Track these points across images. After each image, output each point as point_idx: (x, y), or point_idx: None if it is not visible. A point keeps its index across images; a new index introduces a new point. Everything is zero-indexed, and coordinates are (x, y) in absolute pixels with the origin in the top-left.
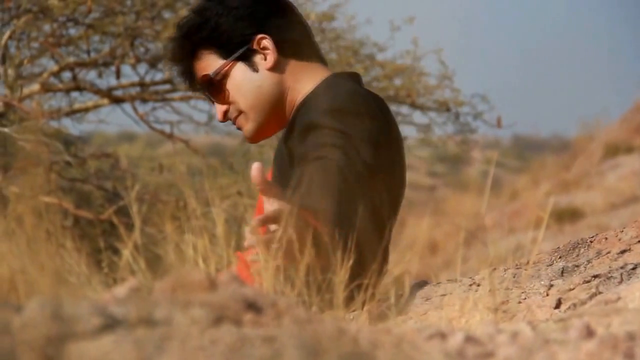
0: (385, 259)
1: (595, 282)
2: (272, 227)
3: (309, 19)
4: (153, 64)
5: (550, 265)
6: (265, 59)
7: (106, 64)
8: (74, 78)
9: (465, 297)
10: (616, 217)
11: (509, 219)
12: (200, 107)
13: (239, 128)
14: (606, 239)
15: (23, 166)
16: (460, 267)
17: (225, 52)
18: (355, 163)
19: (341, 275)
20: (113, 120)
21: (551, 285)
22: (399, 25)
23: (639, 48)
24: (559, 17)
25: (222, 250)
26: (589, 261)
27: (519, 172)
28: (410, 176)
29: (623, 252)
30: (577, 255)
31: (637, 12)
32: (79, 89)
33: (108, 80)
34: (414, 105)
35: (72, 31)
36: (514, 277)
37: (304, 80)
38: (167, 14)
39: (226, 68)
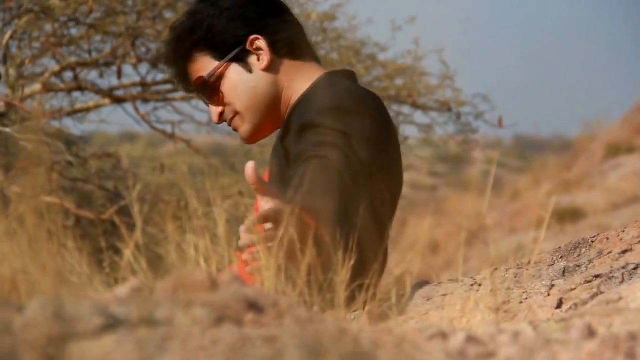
0: (384, 259)
1: (596, 282)
2: (268, 226)
3: (311, 19)
4: (154, 63)
5: (552, 265)
6: (260, 60)
7: (107, 64)
8: (76, 78)
9: (466, 297)
10: (617, 217)
11: (511, 219)
12: (201, 107)
13: (235, 129)
14: (607, 239)
15: (25, 166)
16: (461, 267)
17: (220, 53)
18: (353, 162)
19: (342, 275)
20: (114, 120)
21: (552, 285)
22: (401, 25)
23: None
24: (561, 17)
25: (224, 251)
26: (590, 261)
27: (521, 172)
28: (411, 176)
29: (624, 252)
30: (579, 255)
31: (638, 12)
32: (80, 89)
33: (109, 80)
34: (415, 105)
35: (74, 31)
36: (515, 277)
37: (299, 80)
38: (168, 14)
39: (221, 70)
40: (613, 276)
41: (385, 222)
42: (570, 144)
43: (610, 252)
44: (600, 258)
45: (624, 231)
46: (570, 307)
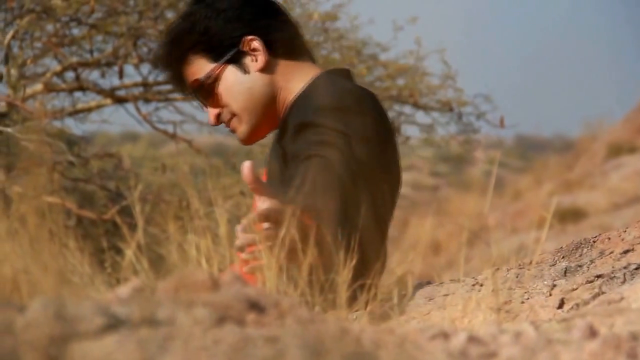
0: (384, 258)
1: (598, 282)
2: (265, 225)
3: (312, 19)
4: (156, 64)
5: (553, 265)
6: (256, 60)
7: (109, 64)
8: (77, 78)
9: (468, 297)
10: (619, 217)
11: (512, 219)
12: None
13: (232, 131)
14: (609, 239)
15: (26, 166)
16: (463, 267)
17: (215, 55)
18: (350, 160)
19: (344, 275)
20: (116, 120)
21: (554, 285)
22: (402, 25)
23: None
24: (562, 17)
25: (225, 251)
26: (592, 261)
27: (522, 172)
28: (413, 176)
29: (626, 252)
30: (580, 255)
31: None
32: (82, 88)
33: (111, 80)
34: (416, 105)
35: (75, 31)
36: (516, 277)
37: (295, 80)
38: (170, 14)
39: (217, 71)
40: (614, 276)
41: (385, 221)
42: (572, 144)
43: (611, 252)
44: (601, 258)
45: (625, 231)
46: (572, 307)
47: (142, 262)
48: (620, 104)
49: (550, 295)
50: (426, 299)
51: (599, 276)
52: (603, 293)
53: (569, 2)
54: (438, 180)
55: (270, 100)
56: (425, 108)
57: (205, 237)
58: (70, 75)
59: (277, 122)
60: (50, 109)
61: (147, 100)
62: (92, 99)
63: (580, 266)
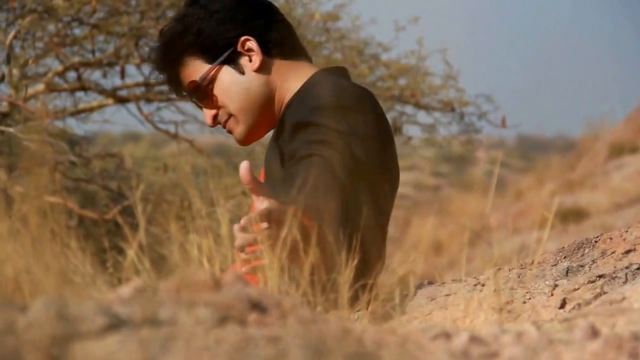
0: (379, 254)
1: (600, 282)
2: (264, 225)
3: (314, 19)
4: None
5: (555, 265)
6: (251, 61)
7: (111, 64)
8: (79, 78)
9: (469, 297)
10: (621, 217)
11: (514, 219)
12: None
13: (230, 131)
14: (611, 239)
15: (28, 166)
16: (464, 267)
17: (211, 56)
18: (348, 159)
19: (346, 275)
20: (118, 120)
21: (556, 285)
22: (404, 25)
23: None
24: (564, 17)
25: (227, 250)
26: (593, 261)
27: (524, 172)
28: (414, 176)
29: (628, 252)
30: (582, 255)
31: None
32: (83, 88)
33: (113, 80)
34: (418, 105)
35: (77, 31)
36: (518, 277)
37: (291, 79)
38: (171, 14)
39: (212, 72)
40: (616, 276)
41: (384, 220)
42: (574, 144)
43: (613, 252)
44: (603, 258)
45: (627, 231)
46: (574, 307)
47: (144, 262)
48: (622, 104)
49: (552, 295)
50: (428, 299)
51: (600, 276)
52: (605, 293)
53: (571, 2)
54: (440, 180)
55: (266, 100)
56: (427, 108)
57: (207, 237)
58: (72, 75)
59: (274, 121)
60: (52, 109)
61: (148, 100)
62: (93, 99)
63: (582, 266)
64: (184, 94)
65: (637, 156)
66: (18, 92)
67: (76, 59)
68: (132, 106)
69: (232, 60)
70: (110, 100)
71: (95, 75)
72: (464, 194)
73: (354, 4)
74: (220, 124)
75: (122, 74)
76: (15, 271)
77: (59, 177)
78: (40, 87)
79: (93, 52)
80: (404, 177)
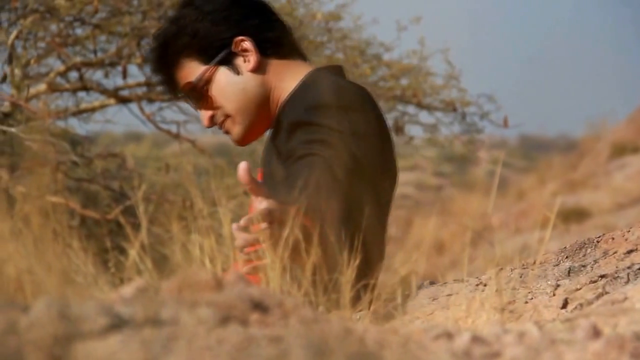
0: (380, 253)
1: (602, 282)
2: (263, 225)
3: (316, 19)
4: None
5: (557, 265)
6: (247, 61)
7: (113, 64)
8: (81, 78)
9: (471, 297)
10: (623, 217)
11: (516, 219)
12: None
13: (227, 132)
14: (613, 238)
15: (30, 166)
16: (466, 267)
17: (206, 57)
18: (344, 158)
19: (347, 275)
20: (120, 120)
21: (558, 285)
22: (406, 25)
23: None
24: (566, 17)
25: (229, 250)
26: (595, 261)
27: (526, 172)
28: (416, 176)
29: (630, 252)
30: (584, 255)
31: None
32: (85, 88)
33: (115, 80)
34: (420, 105)
35: (79, 31)
36: (520, 277)
37: (287, 79)
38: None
39: (208, 73)
40: (618, 276)
41: (384, 219)
42: (576, 144)
43: (615, 252)
44: (605, 258)
45: (629, 231)
46: (576, 307)
47: (146, 262)
48: (623, 104)
49: (554, 295)
50: (430, 298)
51: (602, 276)
52: (607, 293)
53: (573, 1)
54: (442, 180)
55: (263, 100)
56: (429, 108)
57: (208, 237)
58: (73, 75)
59: (271, 121)
60: (54, 108)
61: (150, 100)
62: (95, 99)
63: (584, 266)
64: (181, 95)
65: (639, 156)
66: (20, 92)
67: (78, 59)
68: (134, 106)
69: (228, 61)
70: (112, 100)
71: (97, 75)
72: (466, 194)
73: (356, 4)
74: (217, 124)
75: (124, 74)
76: (17, 271)
77: (61, 177)
78: (42, 87)
79: (95, 52)
80: (406, 177)
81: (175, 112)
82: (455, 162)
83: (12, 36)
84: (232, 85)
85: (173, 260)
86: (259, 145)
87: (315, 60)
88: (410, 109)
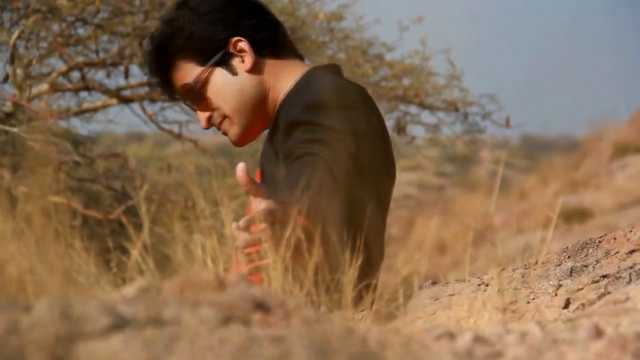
0: (381, 253)
1: (604, 282)
2: (262, 226)
3: (318, 19)
4: None
5: (559, 265)
6: (243, 61)
7: (115, 64)
8: (83, 78)
9: (473, 297)
10: (625, 217)
11: (518, 218)
12: None
13: (224, 133)
14: (615, 239)
15: (32, 166)
16: (468, 267)
17: (203, 58)
18: (342, 157)
19: (349, 274)
20: (122, 120)
21: (560, 285)
22: (408, 25)
23: None
24: (567, 17)
25: (231, 250)
26: (597, 261)
27: (528, 172)
28: (418, 176)
29: (632, 252)
30: (586, 255)
31: None
32: (87, 88)
33: (117, 80)
34: (422, 105)
35: (81, 31)
36: (522, 277)
37: (284, 78)
38: None
39: (205, 75)
40: (620, 276)
41: (383, 217)
42: (578, 144)
43: (617, 252)
44: (607, 258)
45: (631, 231)
46: (578, 307)
47: (148, 262)
48: (625, 104)
49: (556, 295)
50: (432, 299)
51: (604, 276)
52: (609, 293)
53: (575, 1)
54: (444, 180)
55: (260, 101)
56: (431, 108)
57: (211, 237)
58: (76, 75)
59: (269, 122)
60: (56, 108)
61: (152, 100)
62: (97, 99)
63: (586, 266)
64: (178, 97)
65: None
66: (22, 92)
67: (80, 59)
68: (136, 106)
69: (224, 62)
70: (114, 100)
71: (99, 75)
72: (467, 194)
73: (358, 4)
74: (214, 125)
75: (126, 74)
76: (19, 271)
77: (63, 177)
78: (44, 87)
79: (97, 52)
80: (407, 177)
81: (177, 112)
82: (457, 162)
83: (14, 36)
84: (228, 86)
85: (175, 260)
86: (261, 146)
87: (317, 60)
88: (412, 109)
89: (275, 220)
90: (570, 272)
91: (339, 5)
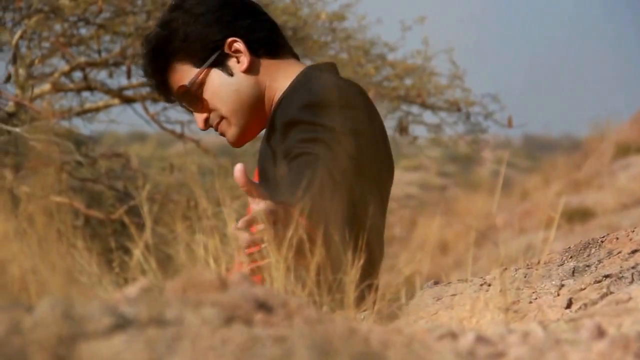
0: (381, 252)
1: (606, 282)
2: (260, 227)
3: (320, 19)
4: None
5: (561, 265)
6: (239, 62)
7: (117, 64)
8: (85, 78)
9: (476, 297)
10: (627, 217)
11: (520, 218)
12: None
13: (222, 134)
14: (617, 238)
15: (34, 166)
16: (471, 267)
17: (198, 60)
18: (339, 156)
19: (352, 274)
20: (124, 120)
21: (562, 285)
22: (410, 25)
23: None
24: (569, 17)
25: (233, 250)
26: (600, 261)
27: (530, 172)
28: (421, 176)
29: (634, 252)
30: (588, 255)
31: None
32: (89, 88)
33: (119, 80)
34: (424, 105)
35: (83, 31)
36: (524, 277)
37: (280, 78)
38: None
39: (201, 76)
40: (623, 276)
41: (382, 216)
42: (580, 144)
43: (619, 252)
44: (609, 258)
45: (633, 231)
46: (580, 307)
47: (150, 262)
48: (627, 104)
49: (558, 295)
50: (434, 298)
51: (607, 276)
52: (611, 293)
53: (575, 2)
54: (446, 180)
55: (257, 101)
56: (433, 108)
57: (213, 237)
58: (78, 75)
59: (265, 121)
60: (58, 108)
61: (154, 100)
62: (100, 99)
63: (588, 266)
64: (174, 99)
65: None
66: (24, 92)
67: (82, 59)
68: (138, 106)
69: (220, 63)
70: (116, 100)
71: (102, 75)
72: (470, 194)
73: (360, 4)
74: (212, 127)
75: (129, 74)
76: (22, 271)
77: (65, 177)
78: (46, 87)
79: (99, 52)
80: (410, 177)
81: (180, 112)
82: (459, 162)
83: (17, 36)
84: (225, 86)
85: (177, 260)
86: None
87: (319, 60)
88: (415, 109)
89: (277, 220)
90: (573, 272)
91: (341, 5)
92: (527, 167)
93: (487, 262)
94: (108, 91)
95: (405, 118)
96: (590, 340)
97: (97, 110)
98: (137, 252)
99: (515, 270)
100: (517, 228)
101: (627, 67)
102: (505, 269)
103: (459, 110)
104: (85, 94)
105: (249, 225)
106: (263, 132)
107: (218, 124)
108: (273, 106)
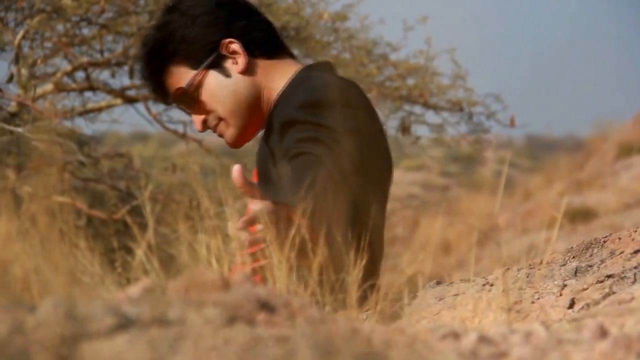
0: (381, 252)
1: (608, 282)
2: (258, 227)
3: (323, 19)
4: None
5: (564, 265)
6: (236, 63)
7: (119, 64)
8: (87, 78)
9: (478, 297)
10: (630, 217)
11: (522, 219)
12: None
13: (220, 135)
14: (620, 238)
15: (37, 166)
16: (473, 267)
17: (195, 62)
18: (338, 155)
19: (354, 274)
20: (126, 120)
21: (564, 285)
22: (413, 25)
23: None
24: (572, 17)
25: (233, 250)
26: (602, 261)
27: (532, 172)
28: (423, 176)
29: (636, 252)
30: (591, 255)
31: None
32: (92, 88)
33: (121, 80)
34: (427, 105)
35: (86, 31)
36: (527, 277)
37: (277, 78)
38: None
39: (199, 78)
40: (625, 276)
41: (384, 215)
42: (582, 144)
43: (622, 252)
44: (612, 258)
45: (636, 231)
46: (582, 307)
47: (153, 261)
48: (630, 104)
49: (561, 295)
50: (436, 298)
51: (609, 276)
52: (613, 293)
53: (578, 1)
54: (448, 180)
55: (254, 101)
56: (436, 108)
57: (215, 236)
58: (80, 75)
59: (263, 122)
60: (61, 108)
61: (157, 100)
62: (102, 99)
63: (590, 266)
64: (171, 101)
65: None
66: (27, 92)
67: (85, 59)
68: (140, 106)
69: (217, 64)
70: (118, 100)
71: (104, 75)
72: (472, 194)
73: (363, 4)
74: (210, 128)
75: (131, 74)
76: (24, 271)
77: (67, 177)
78: (48, 87)
79: (102, 52)
80: (412, 177)
81: (182, 112)
82: (461, 162)
83: (19, 36)
84: (222, 88)
85: (180, 260)
86: None
87: (321, 60)
88: (417, 109)
89: (278, 220)
90: (575, 272)
91: (343, 5)
92: (529, 167)
93: (489, 262)
94: (110, 91)
95: (407, 118)
96: (592, 341)
97: (99, 110)
98: (140, 252)
99: (518, 270)
100: (519, 228)
101: (629, 67)
102: (508, 269)
103: (461, 110)
104: (88, 94)
105: (248, 225)
106: (261, 132)
107: (216, 125)
108: (270, 106)
